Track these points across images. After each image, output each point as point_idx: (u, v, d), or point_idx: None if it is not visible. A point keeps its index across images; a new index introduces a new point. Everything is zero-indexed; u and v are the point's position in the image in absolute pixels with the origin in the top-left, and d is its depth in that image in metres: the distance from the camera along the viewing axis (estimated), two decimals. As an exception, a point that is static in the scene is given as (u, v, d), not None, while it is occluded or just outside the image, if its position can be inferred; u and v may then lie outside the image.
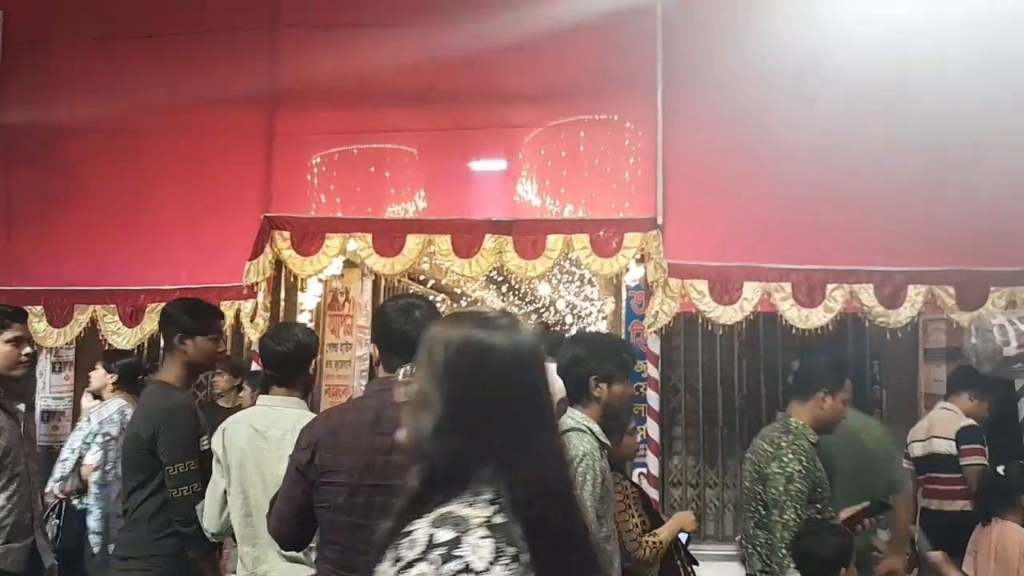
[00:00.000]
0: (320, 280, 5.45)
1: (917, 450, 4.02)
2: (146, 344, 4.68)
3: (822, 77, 4.15)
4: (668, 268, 4.28)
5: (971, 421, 3.84)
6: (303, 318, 5.41)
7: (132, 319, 4.57)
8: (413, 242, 4.49)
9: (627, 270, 4.55)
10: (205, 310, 2.98)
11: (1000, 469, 3.66)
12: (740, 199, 4.33)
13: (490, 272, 4.81)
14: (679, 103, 4.40)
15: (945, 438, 3.85)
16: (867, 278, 4.28)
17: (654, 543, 2.84)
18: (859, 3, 3.90)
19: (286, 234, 4.53)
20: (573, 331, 13.50)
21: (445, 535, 1.17)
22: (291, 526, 2.09)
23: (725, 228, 4.36)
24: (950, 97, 4.09)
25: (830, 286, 4.29)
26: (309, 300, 5.64)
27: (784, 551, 2.66)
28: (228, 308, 4.38)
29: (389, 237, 4.50)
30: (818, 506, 2.79)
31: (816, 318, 4.29)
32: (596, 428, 2.66)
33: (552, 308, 13.70)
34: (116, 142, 4.73)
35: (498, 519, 1.20)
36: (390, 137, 4.63)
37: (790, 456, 2.79)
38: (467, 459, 1.25)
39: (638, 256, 4.41)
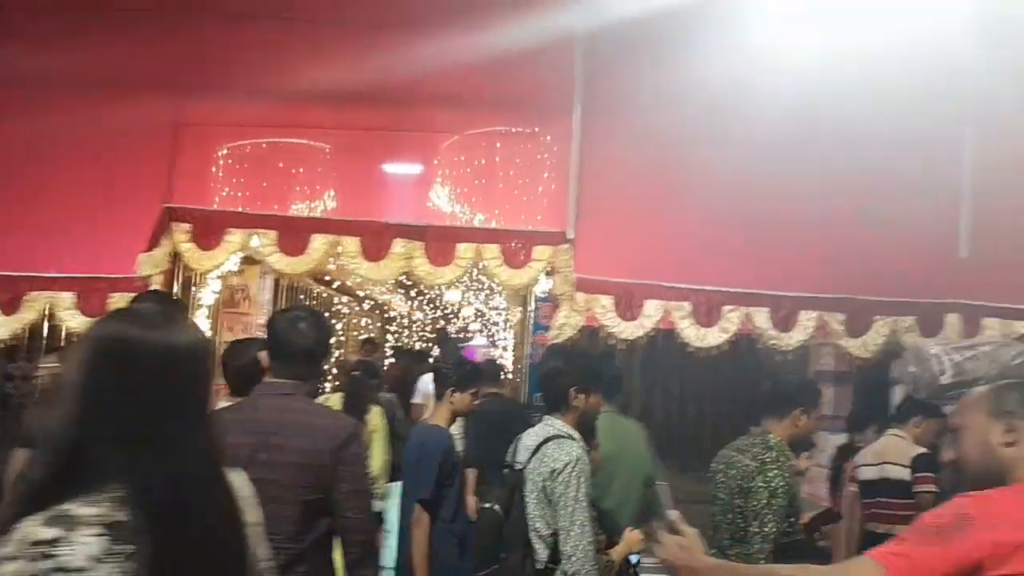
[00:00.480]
0: (219, 276, 5.27)
1: (867, 474, 4.17)
2: (27, 335, 4.42)
3: (739, 107, 4.28)
4: (576, 282, 4.34)
5: (924, 449, 4.03)
6: (199, 314, 5.22)
7: (10, 307, 4.30)
8: (319, 242, 4.39)
9: (536, 282, 4.59)
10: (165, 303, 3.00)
11: None
12: (649, 219, 4.43)
13: (398, 277, 4.76)
14: (596, 123, 4.47)
15: (899, 464, 4.01)
16: (762, 301, 4.44)
17: (607, 562, 2.90)
18: (783, 36, 4.05)
19: (186, 227, 4.36)
20: (477, 339, 13.52)
21: (48, 533, 1.16)
22: None
23: (633, 246, 4.45)
24: (853, 129, 4.29)
25: (726, 307, 4.43)
26: (206, 296, 5.44)
27: (763, 562, 2.75)
28: (119, 301, 4.17)
29: (294, 235, 4.39)
30: (792, 520, 2.98)
31: (712, 338, 4.42)
32: (577, 435, 2.80)
33: (458, 315, 13.70)
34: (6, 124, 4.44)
35: (119, 516, 1.20)
36: (302, 133, 4.52)
37: (775, 472, 2.96)
38: (94, 452, 1.24)
39: (547, 269, 4.45)
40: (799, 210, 4.40)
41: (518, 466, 2.86)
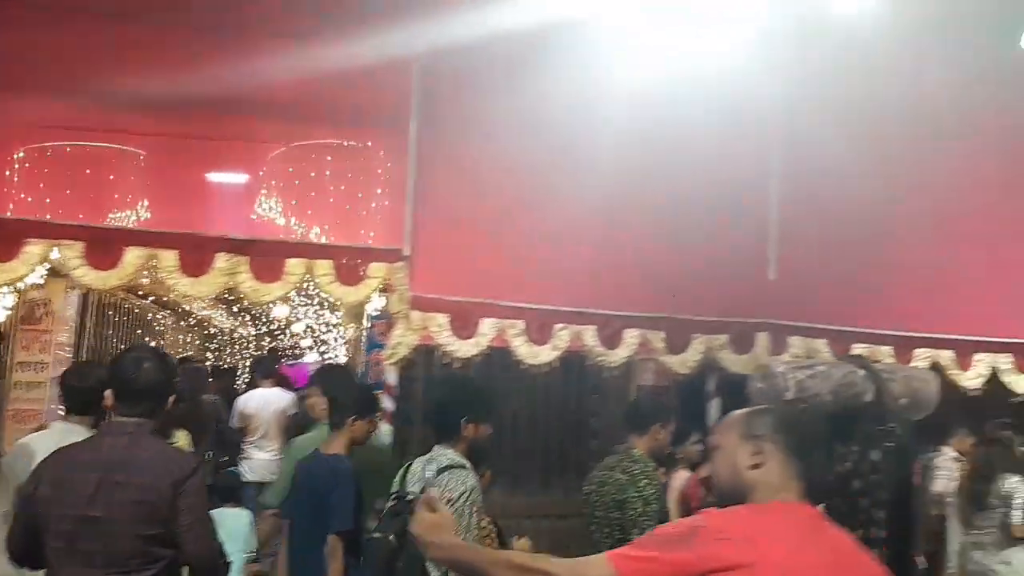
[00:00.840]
0: (14, 290, 4.77)
1: None
2: None
3: (575, 132, 4.40)
4: (411, 300, 4.28)
5: None
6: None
7: None
8: (133, 255, 4.03)
9: (370, 300, 4.49)
10: None
11: (820, 507, 4.06)
12: (485, 238, 4.44)
13: (221, 293, 4.50)
14: (435, 140, 4.41)
15: None
16: (591, 320, 4.58)
17: None
18: (618, 65, 4.23)
19: (-26, 236, 3.89)
20: (308, 357, 13.07)
21: None
22: (19, 546, 2.44)
23: (469, 265, 4.44)
24: (675, 157, 4.50)
25: (557, 326, 4.54)
26: (-2, 312, 4.92)
27: None
28: None
29: (104, 247, 4.00)
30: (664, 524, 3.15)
31: (544, 355, 4.51)
32: (468, 464, 2.89)
33: (287, 331, 13.20)
34: None
35: None
36: (113, 137, 4.18)
37: (645, 481, 3.24)
38: None
39: (382, 286, 4.36)
40: (625, 233, 4.58)
41: (410, 496, 2.89)
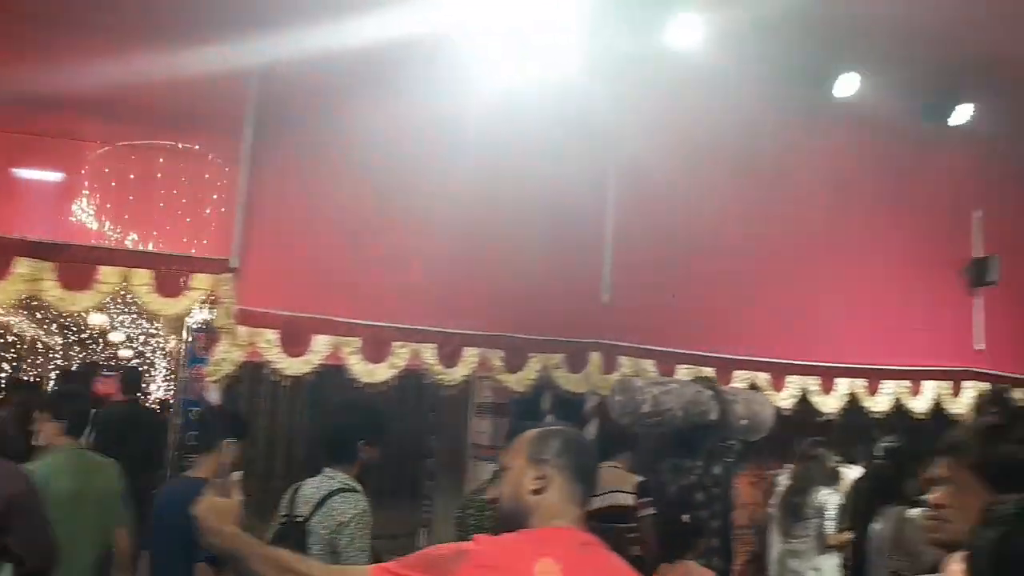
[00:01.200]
0: None
1: (593, 503, 4.29)
2: None
3: (420, 147, 4.36)
4: (238, 314, 4.05)
5: (642, 477, 4.30)
6: None
7: None
8: (-90, 256, 3.58)
9: (190, 312, 4.22)
10: None
11: (684, 517, 4.15)
12: (323, 253, 4.30)
13: (21, 301, 4.07)
14: (273, 151, 4.21)
15: (625, 491, 4.24)
16: (430, 338, 4.53)
17: None
18: (466, 82, 4.22)
19: None
20: (138, 367, 12.10)
21: None
22: None
23: (303, 279, 4.27)
24: (519, 178, 4.56)
25: (396, 343, 4.46)
26: None
27: None
28: None
29: None
30: None
31: (382, 373, 4.42)
32: (359, 487, 2.88)
33: (102, 341, 12.20)
34: None
35: None
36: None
37: None
38: None
39: (206, 299, 4.10)
40: (465, 251, 4.58)
41: (299, 518, 2.85)
